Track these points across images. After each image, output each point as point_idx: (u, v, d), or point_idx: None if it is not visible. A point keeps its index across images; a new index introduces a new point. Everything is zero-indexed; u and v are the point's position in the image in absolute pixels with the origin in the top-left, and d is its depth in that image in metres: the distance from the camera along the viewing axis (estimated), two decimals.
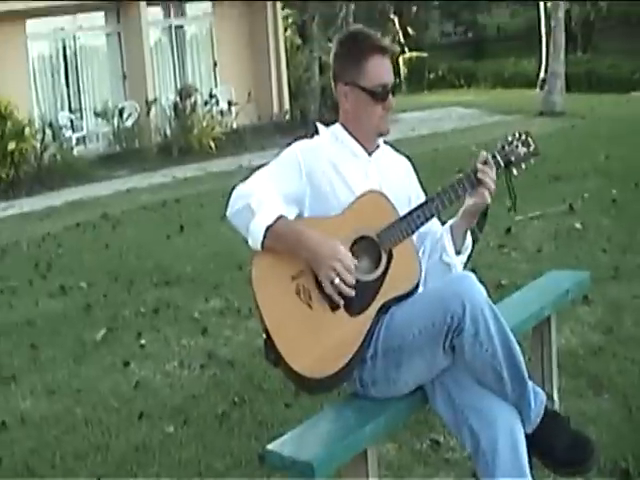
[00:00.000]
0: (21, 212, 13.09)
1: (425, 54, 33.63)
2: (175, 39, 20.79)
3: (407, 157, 3.31)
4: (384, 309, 2.81)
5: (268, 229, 2.75)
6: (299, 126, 18.81)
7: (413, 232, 2.91)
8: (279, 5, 21.64)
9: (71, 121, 18.27)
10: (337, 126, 3.12)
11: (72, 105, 18.95)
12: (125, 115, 18.26)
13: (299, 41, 24.08)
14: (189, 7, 21.13)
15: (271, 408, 4.56)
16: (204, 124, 18.38)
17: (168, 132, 18.44)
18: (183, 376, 5.21)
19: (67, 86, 18.95)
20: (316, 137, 3.14)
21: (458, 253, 3.05)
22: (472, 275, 2.79)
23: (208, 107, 19.06)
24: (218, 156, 17.25)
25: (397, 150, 3.26)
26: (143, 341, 5.89)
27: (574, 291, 3.95)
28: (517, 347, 2.76)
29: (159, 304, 6.73)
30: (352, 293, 2.74)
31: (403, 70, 32.79)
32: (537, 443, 2.80)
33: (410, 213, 2.91)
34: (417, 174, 3.26)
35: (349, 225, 2.85)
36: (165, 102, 19.13)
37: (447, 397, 2.82)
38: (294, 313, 2.74)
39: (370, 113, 3.02)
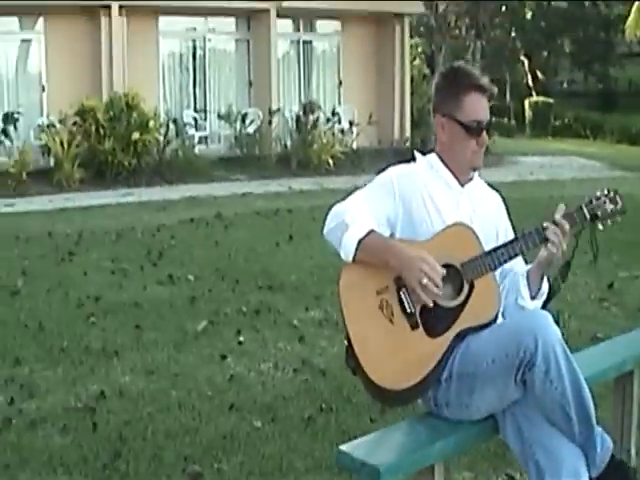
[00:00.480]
0: (139, 201, 13.56)
1: (552, 100, 33.28)
2: (303, 53, 21.10)
3: (499, 193, 3.39)
4: (461, 336, 2.90)
5: (360, 242, 2.88)
6: None
7: (496, 268, 3.00)
8: (407, 32, 21.75)
9: (195, 120, 18.74)
10: (433, 155, 3.22)
11: (197, 104, 19.44)
12: (248, 121, 18.61)
13: (427, 71, 24.18)
14: (319, 24, 21.46)
15: (356, 420, 4.64)
16: (324, 141, 18.64)
17: (288, 143, 18.77)
18: (276, 377, 5.35)
19: (194, 85, 19.45)
20: (412, 164, 3.25)
21: (533, 298, 3.12)
22: (548, 314, 2.86)
23: (330, 124, 19.29)
24: (335, 173, 17.46)
25: (497, 190, 3.35)
26: (242, 338, 6.05)
27: None
28: (587, 390, 2.82)
29: (261, 307, 6.90)
30: (440, 293, 2.83)
31: (528, 113, 32.60)
32: None
33: (495, 249, 3.00)
34: (508, 212, 3.34)
35: (435, 251, 2.93)
36: (288, 114, 19.43)
37: (517, 430, 2.90)
38: (375, 326, 2.87)
39: (464, 146, 3.13)
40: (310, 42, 21.32)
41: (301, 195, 14.34)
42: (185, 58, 19.53)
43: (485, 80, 3.13)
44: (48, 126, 16.00)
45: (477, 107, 3.11)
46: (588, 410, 2.82)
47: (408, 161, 3.27)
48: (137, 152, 15.93)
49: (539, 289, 3.13)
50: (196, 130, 18.53)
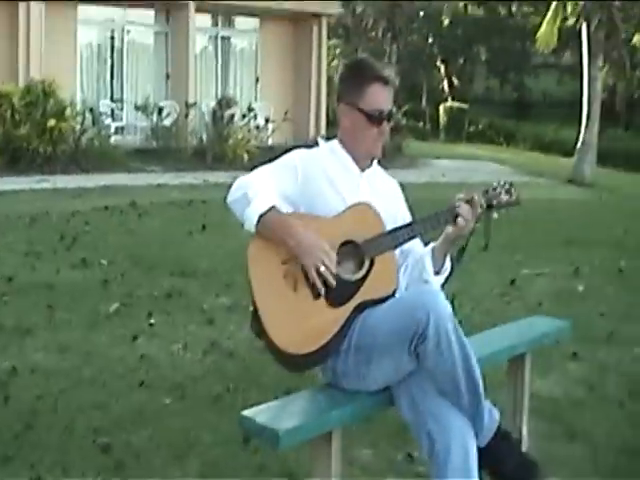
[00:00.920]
0: (54, 187, 13.48)
1: (466, 106, 33.77)
2: (221, 49, 21.22)
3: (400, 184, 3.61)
4: (361, 308, 3.09)
5: (261, 216, 3.05)
6: None
7: (396, 247, 3.21)
8: (324, 32, 22.02)
9: (112, 110, 18.67)
10: (335, 141, 3.42)
11: (114, 95, 19.39)
12: (164, 113, 18.64)
13: None
14: (238, 21, 21.58)
15: (263, 399, 4.65)
16: (240, 136, 18.77)
17: (204, 137, 18.82)
18: (186, 357, 5.49)
19: (112, 76, 19.39)
20: (315, 148, 3.45)
21: (437, 274, 3.33)
22: (440, 291, 3.10)
23: (246, 120, 19.39)
24: (250, 168, 17.37)
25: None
26: (153, 320, 6.18)
27: (551, 336, 4.17)
28: (475, 364, 3.01)
29: (172, 291, 7.03)
30: (334, 282, 3.02)
31: (443, 118, 32.99)
32: (488, 458, 3.06)
33: (396, 230, 3.22)
34: (407, 199, 3.55)
35: (338, 228, 3.13)
36: (204, 108, 19.49)
37: (411, 401, 3.07)
38: (280, 294, 3.03)
39: (366, 135, 3.31)
40: (228, 38, 21.43)
41: (216, 188, 14.39)
42: (103, 48, 19.45)
43: (388, 72, 3.30)
44: None
45: (379, 97, 3.28)
46: (476, 382, 3.00)
47: (312, 146, 3.45)
48: (53, 139, 15.82)
49: (442, 265, 3.33)
50: (112, 120, 18.47)
